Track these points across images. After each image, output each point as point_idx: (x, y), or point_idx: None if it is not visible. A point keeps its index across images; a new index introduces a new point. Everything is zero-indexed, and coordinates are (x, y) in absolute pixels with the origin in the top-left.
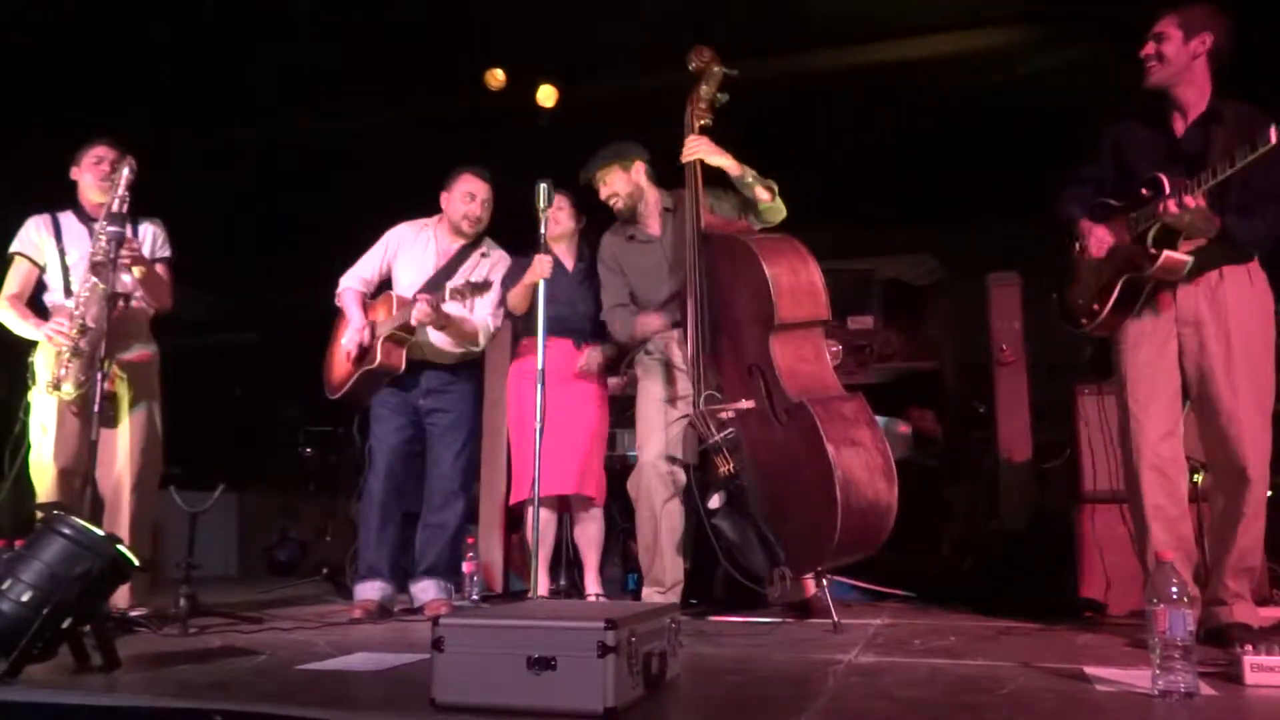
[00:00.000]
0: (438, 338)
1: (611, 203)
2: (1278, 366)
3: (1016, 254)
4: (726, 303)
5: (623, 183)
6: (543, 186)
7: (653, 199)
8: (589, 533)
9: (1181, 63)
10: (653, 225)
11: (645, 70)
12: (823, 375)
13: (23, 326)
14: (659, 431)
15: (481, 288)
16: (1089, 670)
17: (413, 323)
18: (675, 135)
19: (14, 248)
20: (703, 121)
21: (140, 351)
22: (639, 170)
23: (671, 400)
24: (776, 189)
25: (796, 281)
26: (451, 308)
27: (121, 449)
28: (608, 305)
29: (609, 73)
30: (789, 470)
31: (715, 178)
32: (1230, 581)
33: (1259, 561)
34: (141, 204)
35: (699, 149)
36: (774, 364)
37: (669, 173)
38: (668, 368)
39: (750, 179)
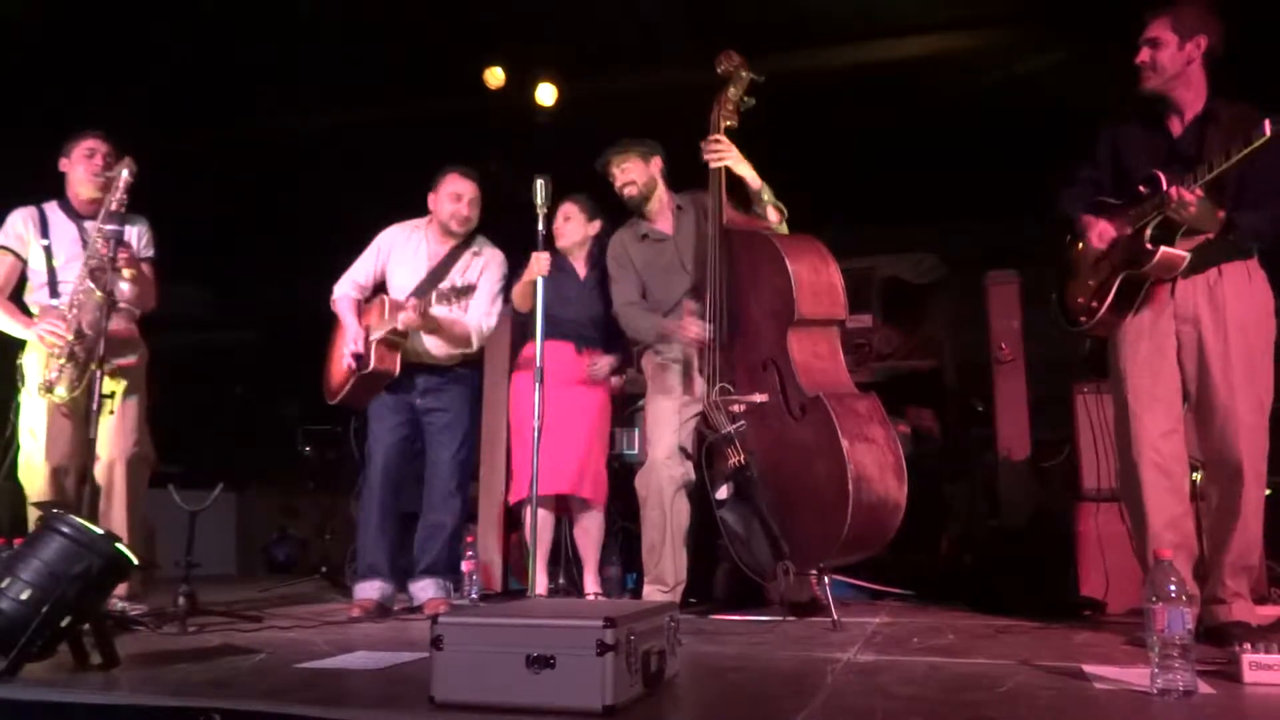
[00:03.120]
0: (430, 341)
1: (627, 190)
2: (1277, 364)
3: (1016, 253)
4: (745, 297)
5: (640, 172)
6: (539, 183)
7: (665, 197)
8: (589, 533)
9: (1177, 68)
10: (664, 223)
11: (646, 69)
12: (838, 373)
13: (9, 324)
14: (671, 430)
15: (467, 291)
16: (1088, 668)
17: (401, 327)
18: (680, 134)
19: None
20: (728, 123)
21: (130, 358)
22: (656, 165)
23: (683, 399)
24: (786, 214)
25: (817, 279)
26: (440, 310)
27: (112, 440)
28: (620, 302)
29: (610, 72)
30: (800, 464)
31: (726, 187)
32: (1229, 580)
33: (1257, 560)
34: (139, 202)
35: (727, 156)
36: (790, 359)
37: (678, 172)
38: (682, 366)
39: (766, 196)
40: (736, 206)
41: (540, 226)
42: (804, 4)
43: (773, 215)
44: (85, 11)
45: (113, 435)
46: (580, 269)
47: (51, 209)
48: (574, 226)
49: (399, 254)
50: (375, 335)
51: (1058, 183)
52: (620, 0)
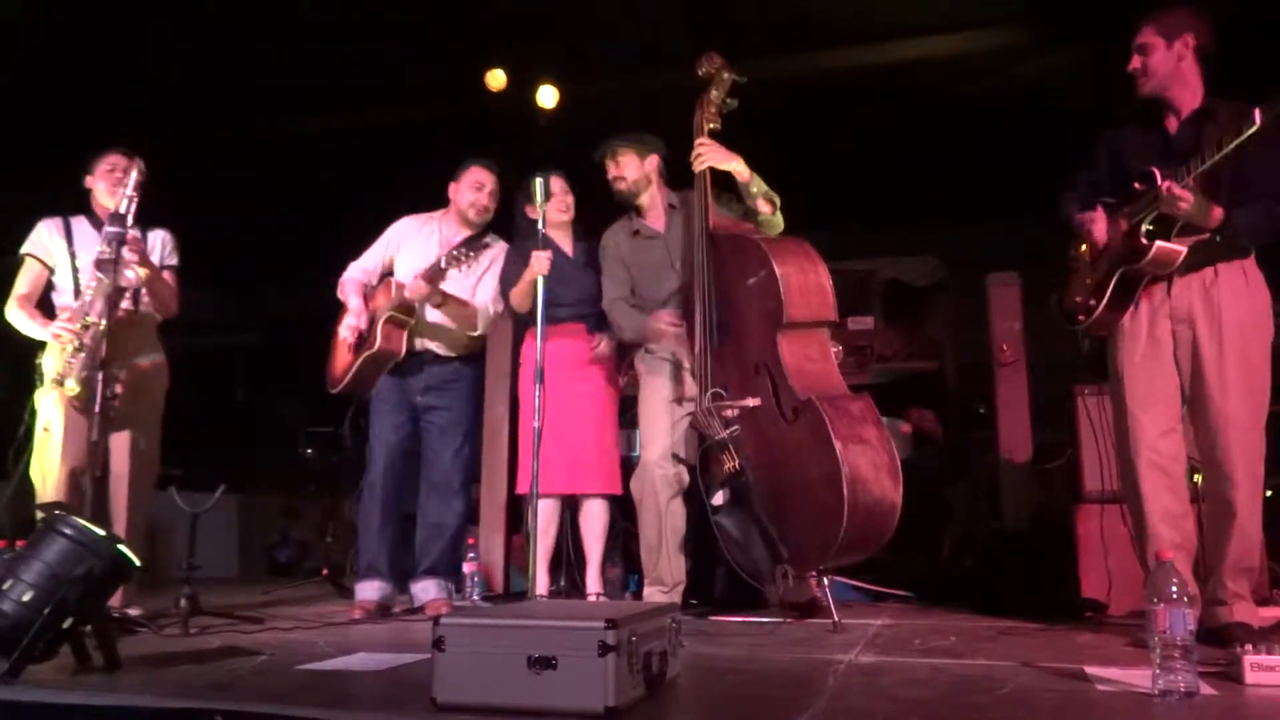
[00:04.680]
0: (436, 317)
1: (616, 184)
2: (1274, 364)
3: (1016, 254)
4: (734, 301)
5: (633, 168)
6: (539, 181)
7: (659, 195)
8: (593, 526)
9: (1168, 70)
10: (657, 221)
11: (647, 70)
12: (829, 375)
13: (32, 327)
14: (664, 431)
15: (480, 247)
16: (1089, 670)
17: (408, 295)
18: (681, 136)
19: (25, 249)
20: (712, 125)
21: (148, 360)
22: (652, 163)
23: (676, 399)
24: (779, 203)
25: (806, 281)
26: (450, 286)
27: (121, 451)
28: (610, 297)
29: (610, 73)
30: (795, 467)
31: (719, 183)
32: (1230, 581)
33: (1258, 561)
34: (143, 205)
35: (708, 156)
36: (781, 362)
37: (674, 173)
38: (673, 366)
39: (756, 189)
40: (729, 201)
41: (540, 225)
42: (804, 5)
43: (764, 207)
44: (85, 13)
45: (128, 452)
46: (567, 247)
47: (78, 221)
48: (571, 201)
49: (410, 243)
50: (382, 313)
51: (1059, 186)
52: (620, 1)
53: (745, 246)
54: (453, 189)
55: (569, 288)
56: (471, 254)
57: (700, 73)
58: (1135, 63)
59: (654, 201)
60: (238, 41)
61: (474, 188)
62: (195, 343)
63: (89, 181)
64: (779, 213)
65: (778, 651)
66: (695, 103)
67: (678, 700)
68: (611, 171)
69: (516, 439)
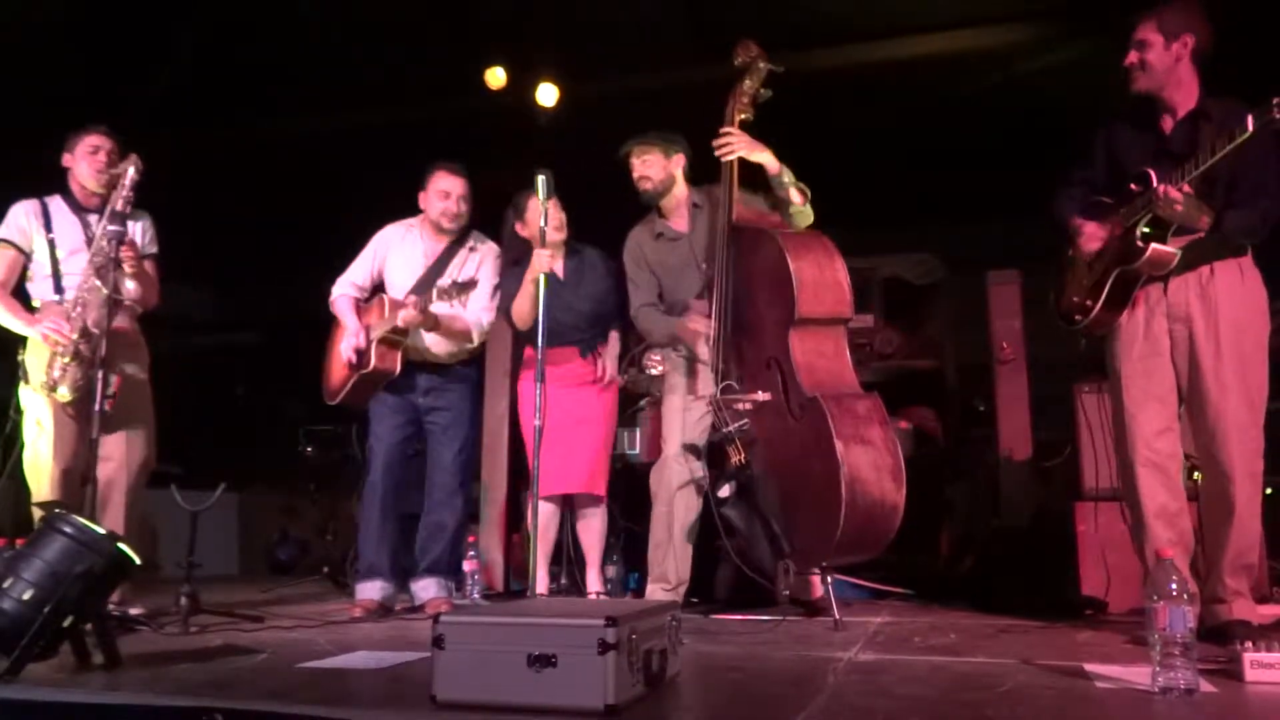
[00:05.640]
0: (430, 339)
1: (641, 184)
2: (1271, 363)
3: (1016, 253)
4: (750, 295)
5: (658, 168)
6: (541, 179)
7: (682, 195)
8: (592, 528)
9: (1165, 67)
10: (680, 222)
11: (647, 70)
12: (841, 372)
13: (12, 321)
14: (683, 428)
15: (467, 286)
16: (1089, 667)
17: (400, 324)
18: (681, 134)
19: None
20: (743, 116)
21: (136, 359)
22: (678, 163)
23: (695, 397)
24: (809, 194)
25: (821, 277)
26: (440, 308)
27: (117, 452)
28: (637, 303)
29: (610, 73)
30: (799, 464)
31: (745, 176)
32: (1229, 579)
33: (1257, 559)
34: (140, 202)
35: (738, 147)
36: (792, 358)
37: (696, 168)
38: (695, 365)
39: (787, 179)
40: (757, 192)
41: (542, 223)
42: (804, 4)
43: (796, 197)
44: (86, 11)
45: (123, 446)
46: (558, 267)
47: (54, 202)
48: (564, 219)
49: (396, 253)
50: (376, 334)
51: (1055, 184)
52: (620, 1)
53: (762, 240)
54: (422, 198)
55: (558, 313)
56: (461, 292)
57: (736, 62)
58: (1132, 57)
59: (678, 202)
60: (239, 40)
61: (441, 196)
62: (195, 342)
63: (67, 160)
64: (809, 204)
65: (778, 649)
66: (728, 92)
67: (678, 698)
68: (636, 170)
69: (519, 440)
